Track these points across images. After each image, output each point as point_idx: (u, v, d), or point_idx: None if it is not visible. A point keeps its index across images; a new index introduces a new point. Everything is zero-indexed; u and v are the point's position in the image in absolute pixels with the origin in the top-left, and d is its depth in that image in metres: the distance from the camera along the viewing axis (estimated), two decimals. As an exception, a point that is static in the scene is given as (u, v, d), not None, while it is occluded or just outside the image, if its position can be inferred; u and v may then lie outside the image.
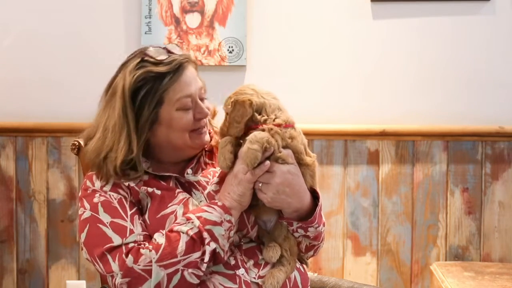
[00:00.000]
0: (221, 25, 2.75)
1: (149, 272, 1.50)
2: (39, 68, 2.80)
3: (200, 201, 1.65)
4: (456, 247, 2.74)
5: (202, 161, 1.75)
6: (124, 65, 1.69)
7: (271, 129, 1.59)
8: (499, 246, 2.73)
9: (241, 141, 1.60)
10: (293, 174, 1.59)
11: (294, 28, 2.76)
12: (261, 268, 1.62)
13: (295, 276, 1.67)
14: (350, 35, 2.75)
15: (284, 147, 1.60)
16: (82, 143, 1.87)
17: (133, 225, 1.58)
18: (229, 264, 1.59)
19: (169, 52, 1.67)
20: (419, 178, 2.73)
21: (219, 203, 1.57)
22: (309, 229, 1.65)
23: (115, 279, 1.52)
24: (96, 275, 2.76)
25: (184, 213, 1.59)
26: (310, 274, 1.85)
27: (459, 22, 2.72)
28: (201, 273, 1.53)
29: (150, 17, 2.75)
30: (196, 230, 1.52)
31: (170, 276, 1.50)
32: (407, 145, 2.73)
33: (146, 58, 1.65)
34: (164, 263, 1.50)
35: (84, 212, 1.62)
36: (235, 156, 1.60)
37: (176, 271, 1.51)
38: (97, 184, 1.65)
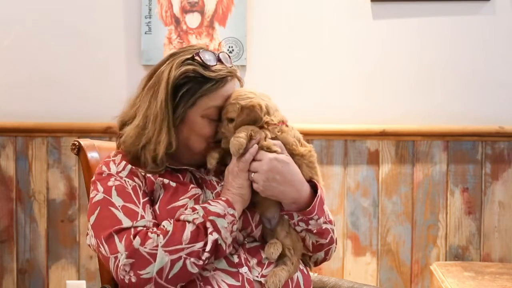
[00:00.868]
0: (221, 25, 2.75)
1: (154, 256, 1.50)
2: (39, 68, 2.80)
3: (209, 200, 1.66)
4: (456, 247, 2.74)
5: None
6: (173, 56, 1.68)
7: (265, 124, 1.65)
8: (499, 246, 2.73)
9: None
10: (281, 161, 1.61)
11: (294, 28, 2.76)
12: (264, 267, 1.63)
13: (297, 277, 1.67)
14: (350, 35, 2.75)
15: (273, 139, 1.64)
16: (82, 143, 1.86)
17: (144, 212, 1.59)
18: (233, 262, 1.60)
19: (219, 60, 1.68)
20: (419, 178, 2.73)
21: (223, 198, 1.60)
22: (310, 222, 1.64)
23: (118, 260, 1.51)
24: (96, 275, 2.76)
25: None
26: (310, 274, 1.85)
27: (459, 22, 2.72)
28: (201, 263, 1.54)
29: (150, 17, 2.75)
30: (201, 219, 1.54)
31: (173, 263, 1.51)
32: (407, 145, 2.73)
33: (197, 58, 1.65)
34: (170, 248, 1.51)
35: (96, 194, 1.62)
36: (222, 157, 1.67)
37: (179, 258, 1.51)
38: (114, 169, 1.66)
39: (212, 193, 1.67)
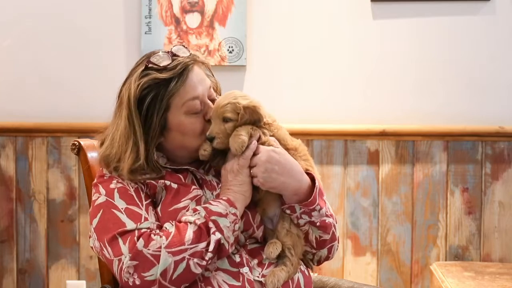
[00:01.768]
0: (221, 25, 2.75)
1: (157, 258, 1.50)
2: (39, 68, 2.80)
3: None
4: (456, 247, 2.74)
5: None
6: (130, 74, 1.68)
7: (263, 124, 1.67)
8: (499, 246, 2.73)
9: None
10: (279, 153, 1.62)
11: (294, 28, 2.76)
12: (265, 268, 1.62)
13: (298, 278, 1.67)
14: (350, 35, 2.75)
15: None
16: (82, 143, 1.86)
17: (147, 213, 1.59)
18: (234, 262, 1.60)
19: (174, 55, 1.66)
20: (419, 178, 2.73)
21: (224, 197, 1.59)
22: (313, 213, 1.64)
23: (122, 262, 1.51)
24: (96, 275, 2.76)
25: None
26: (311, 275, 1.85)
27: (459, 22, 2.72)
28: (204, 263, 1.53)
29: (150, 17, 2.75)
30: (203, 220, 1.54)
31: (176, 264, 1.50)
32: (407, 145, 2.73)
33: (150, 65, 1.63)
34: (173, 250, 1.50)
35: (98, 197, 1.62)
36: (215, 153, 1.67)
37: (183, 259, 1.51)
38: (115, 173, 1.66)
39: (212, 193, 1.67)
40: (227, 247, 1.55)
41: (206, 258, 1.53)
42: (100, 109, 2.77)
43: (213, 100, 1.69)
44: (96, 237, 1.58)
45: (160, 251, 1.50)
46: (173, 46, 1.69)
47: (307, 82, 2.76)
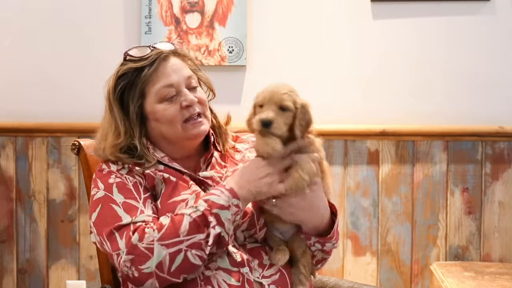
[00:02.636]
0: (221, 25, 2.75)
1: (151, 251, 1.50)
2: (39, 68, 2.80)
3: None
4: (456, 247, 2.74)
5: (214, 162, 1.74)
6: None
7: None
8: (499, 246, 2.73)
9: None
10: (314, 190, 1.59)
11: (294, 28, 2.76)
12: (265, 269, 1.62)
13: None
14: (350, 35, 2.75)
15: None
16: (82, 143, 1.87)
17: (144, 206, 1.59)
18: (235, 261, 1.59)
19: (154, 48, 1.70)
20: (419, 178, 2.73)
21: (227, 186, 1.55)
22: (327, 244, 1.66)
23: (120, 257, 1.52)
24: (96, 275, 2.76)
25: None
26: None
27: (459, 22, 2.72)
28: (205, 255, 1.53)
29: (150, 17, 2.75)
30: (199, 213, 1.52)
31: (172, 256, 1.50)
32: (407, 145, 2.73)
33: (128, 57, 1.70)
34: (166, 242, 1.50)
35: (97, 192, 1.63)
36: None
37: (179, 251, 1.50)
38: (114, 167, 1.67)
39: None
40: (227, 239, 1.55)
41: (206, 250, 1.52)
42: (100, 109, 2.75)
43: (192, 89, 1.69)
44: (96, 232, 1.60)
45: (153, 244, 1.50)
46: (160, 42, 1.74)
47: (307, 82, 2.76)
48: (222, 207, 1.52)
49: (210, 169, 1.72)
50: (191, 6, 2.76)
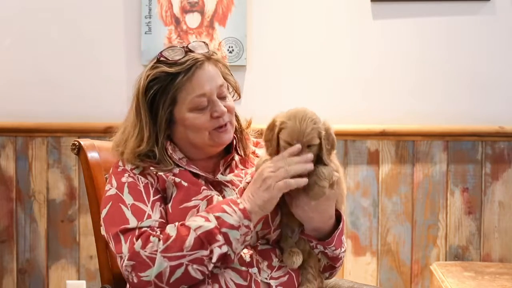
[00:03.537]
0: (221, 25, 2.75)
1: (153, 260, 1.50)
2: (39, 68, 2.80)
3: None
4: (456, 247, 2.74)
5: (234, 165, 1.73)
6: (145, 68, 1.70)
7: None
8: (499, 246, 2.73)
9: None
10: (329, 198, 1.60)
11: (294, 28, 2.76)
12: (274, 270, 1.62)
13: None
14: (350, 35, 2.75)
15: None
16: (82, 143, 1.87)
17: (152, 210, 1.59)
18: (244, 261, 1.59)
19: (189, 51, 1.66)
20: (419, 178, 2.73)
21: (241, 206, 1.54)
22: (328, 248, 1.66)
23: (123, 260, 1.53)
24: (96, 275, 2.76)
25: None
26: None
27: (459, 22, 2.72)
28: (207, 271, 1.53)
29: (150, 17, 2.75)
30: (203, 230, 1.51)
31: (173, 269, 1.50)
32: (407, 145, 2.73)
33: (161, 58, 1.65)
34: (169, 255, 1.50)
35: (110, 189, 1.64)
36: None
37: (180, 264, 1.50)
38: (128, 166, 1.67)
39: (234, 190, 1.66)
40: (232, 257, 1.55)
41: (209, 267, 1.52)
42: (100, 109, 2.78)
43: (223, 98, 1.68)
44: (104, 228, 1.62)
45: (155, 254, 1.50)
46: (193, 41, 1.69)
47: (307, 82, 2.76)
48: (232, 227, 1.52)
49: (229, 172, 1.71)
50: (191, 6, 2.76)
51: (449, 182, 2.73)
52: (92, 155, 1.85)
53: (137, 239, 1.53)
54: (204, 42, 1.70)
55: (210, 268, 1.53)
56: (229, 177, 1.69)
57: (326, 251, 1.66)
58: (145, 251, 1.51)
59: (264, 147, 1.63)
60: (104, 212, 1.62)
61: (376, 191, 2.74)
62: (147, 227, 1.55)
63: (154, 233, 1.54)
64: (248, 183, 1.64)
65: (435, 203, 2.73)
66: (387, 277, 2.74)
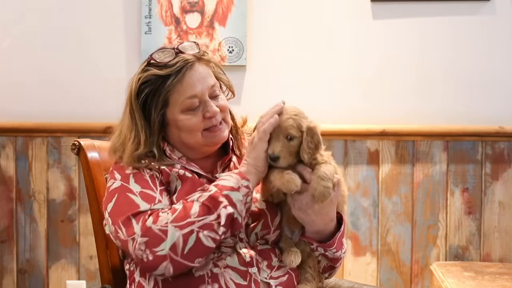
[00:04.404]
0: (221, 25, 2.75)
1: (165, 233, 1.51)
2: (39, 68, 2.80)
3: None
4: (456, 247, 2.74)
5: (232, 166, 1.74)
6: (137, 70, 1.71)
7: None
8: (499, 246, 2.73)
9: None
10: (331, 199, 1.60)
11: (294, 28, 2.76)
12: (274, 270, 1.63)
13: None
14: (350, 35, 2.75)
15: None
16: (82, 143, 1.87)
17: (161, 197, 1.60)
18: (244, 260, 1.60)
19: (179, 52, 1.67)
20: (419, 178, 2.73)
21: (236, 171, 1.58)
22: (329, 250, 1.67)
23: (136, 240, 1.53)
24: (96, 275, 2.76)
25: None
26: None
27: (459, 22, 2.72)
28: (218, 237, 1.53)
29: (150, 17, 2.75)
30: (205, 197, 1.53)
31: (185, 237, 1.50)
32: (407, 145, 2.73)
33: (152, 61, 1.66)
34: (179, 223, 1.51)
35: (114, 183, 1.64)
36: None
37: (191, 231, 1.51)
38: (129, 170, 1.67)
39: None
40: (240, 221, 1.55)
41: (220, 232, 1.53)
42: (100, 109, 2.78)
43: (215, 98, 1.68)
44: (111, 222, 1.60)
45: (167, 226, 1.51)
46: (184, 42, 1.70)
47: (307, 82, 2.76)
48: (232, 189, 1.54)
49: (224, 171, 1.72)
50: (191, 6, 2.76)
51: (449, 182, 2.73)
52: (92, 155, 1.85)
53: (148, 217, 1.53)
54: (195, 42, 1.70)
55: (220, 233, 1.52)
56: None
57: (327, 253, 1.67)
58: (157, 225, 1.51)
59: None
60: (110, 206, 1.61)
61: (376, 191, 2.74)
62: (160, 209, 1.56)
63: (164, 210, 1.55)
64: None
65: (435, 203, 2.73)
66: (387, 277, 2.75)
